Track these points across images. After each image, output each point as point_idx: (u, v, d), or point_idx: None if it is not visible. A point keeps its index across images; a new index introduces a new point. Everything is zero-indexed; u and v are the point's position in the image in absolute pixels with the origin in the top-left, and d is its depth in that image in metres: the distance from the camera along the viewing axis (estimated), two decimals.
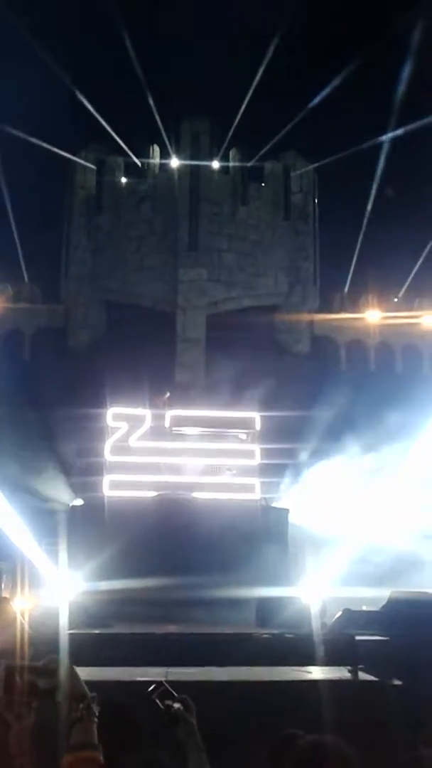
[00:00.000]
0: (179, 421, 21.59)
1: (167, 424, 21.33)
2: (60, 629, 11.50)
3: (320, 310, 29.97)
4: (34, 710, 3.11)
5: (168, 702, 3.44)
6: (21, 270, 28.70)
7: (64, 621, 12.04)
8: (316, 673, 9.98)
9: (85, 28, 29.54)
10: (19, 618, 12.18)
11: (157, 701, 3.46)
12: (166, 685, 3.57)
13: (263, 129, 28.79)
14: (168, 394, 22.03)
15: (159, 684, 3.57)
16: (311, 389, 26.92)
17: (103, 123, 26.76)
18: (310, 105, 25.56)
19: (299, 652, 11.20)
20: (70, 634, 11.07)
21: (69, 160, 29.40)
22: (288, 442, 22.17)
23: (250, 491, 20.94)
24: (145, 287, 28.66)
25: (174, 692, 3.51)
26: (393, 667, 10.68)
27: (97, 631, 12.75)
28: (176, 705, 3.45)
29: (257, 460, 21.30)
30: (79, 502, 21.28)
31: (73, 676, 3.08)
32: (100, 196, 29.60)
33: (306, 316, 29.67)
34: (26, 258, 28.31)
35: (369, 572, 20.68)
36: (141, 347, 26.00)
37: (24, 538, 16.85)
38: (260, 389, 23.42)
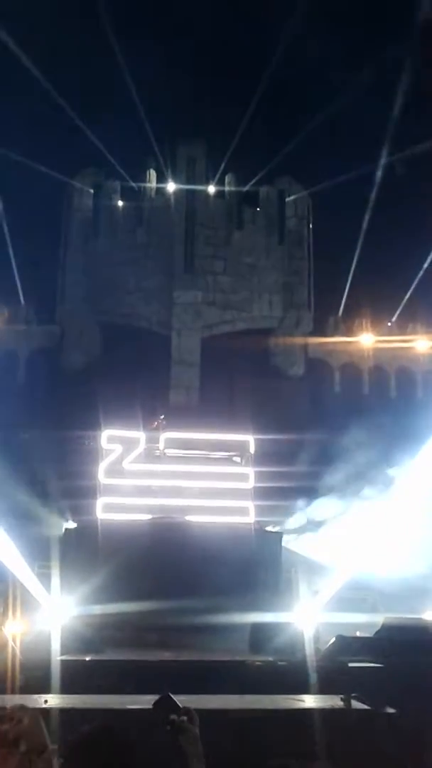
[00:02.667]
0: (173, 444, 21.59)
1: (161, 446, 21.33)
2: (51, 655, 11.44)
3: (314, 334, 30.13)
4: None
5: (173, 715, 3.54)
6: (17, 291, 28.84)
7: (55, 647, 11.97)
8: (309, 701, 9.94)
9: (82, 53, 29.92)
10: (10, 644, 12.10)
11: (161, 712, 3.55)
12: (172, 698, 3.69)
13: (259, 154, 29.18)
14: (162, 417, 22.03)
15: (166, 696, 3.68)
16: (306, 412, 27.02)
17: (100, 147, 27.08)
18: (306, 130, 25.93)
19: (292, 679, 11.16)
20: (62, 660, 11.01)
21: (66, 183, 29.68)
22: (282, 466, 22.15)
23: (244, 514, 20.90)
24: (140, 309, 28.79)
25: (179, 704, 3.62)
26: (387, 694, 10.64)
27: (88, 658, 12.66)
28: (181, 717, 3.54)
29: (251, 483, 21.27)
30: (72, 524, 21.17)
31: (38, 726, 3.05)
32: (97, 219, 29.81)
33: (300, 339, 29.84)
34: (22, 280, 28.48)
35: (363, 597, 20.63)
36: (136, 369, 26.07)
37: (16, 561, 16.71)
38: (254, 412, 23.45)
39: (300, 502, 23.80)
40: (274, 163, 28.10)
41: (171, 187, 29.56)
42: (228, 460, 21.95)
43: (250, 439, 21.71)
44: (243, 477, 21.44)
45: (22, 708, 3.15)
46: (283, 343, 29.70)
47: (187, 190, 29.32)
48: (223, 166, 29.13)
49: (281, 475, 21.99)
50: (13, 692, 9.50)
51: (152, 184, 30.14)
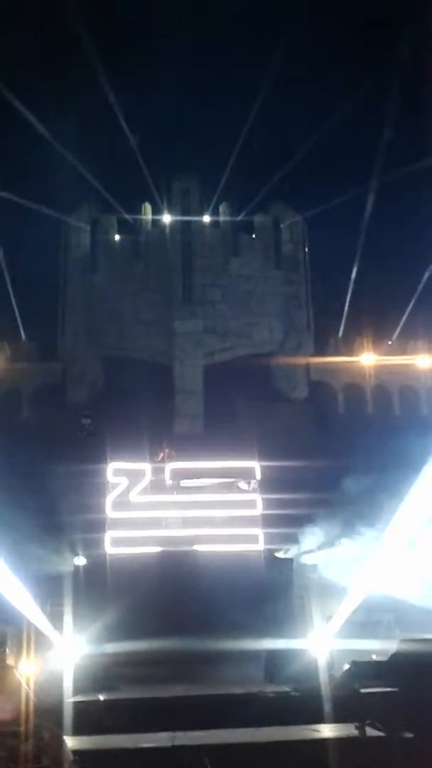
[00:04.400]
0: (179, 474, 21.62)
1: (167, 477, 21.36)
2: (64, 697, 11.42)
3: (315, 356, 30.26)
4: None
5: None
6: (18, 329, 29.13)
7: (68, 687, 11.93)
8: (324, 731, 9.89)
9: (76, 92, 30.55)
10: (23, 685, 12.07)
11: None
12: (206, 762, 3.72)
13: (251, 183, 29.59)
14: (167, 449, 22.10)
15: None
16: (310, 434, 27.02)
17: (95, 184, 27.53)
18: (297, 157, 26.32)
19: (307, 709, 11.08)
20: (75, 702, 10.98)
21: (63, 220, 30.10)
22: (290, 492, 22.09)
23: (253, 542, 20.84)
24: (141, 341, 29.02)
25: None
26: (403, 718, 10.56)
27: (102, 697, 12.61)
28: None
29: (259, 510, 21.25)
30: (82, 561, 21.13)
31: (58, 742, 3.14)
32: (95, 253, 30.20)
33: (302, 362, 29.95)
34: (23, 317, 28.78)
35: (378, 620, 20.47)
36: (139, 401, 26.17)
37: (28, 601, 16.68)
38: (259, 437, 23.45)
39: (309, 528, 23.67)
40: (266, 190, 28.50)
41: (167, 219, 29.97)
42: (235, 488, 21.95)
43: (255, 465, 21.74)
44: (251, 504, 21.43)
45: (44, 725, 3.28)
46: (284, 367, 29.82)
47: (183, 222, 29.73)
48: (216, 196, 29.60)
49: (289, 501, 21.92)
50: (27, 735, 9.46)
51: (148, 217, 30.54)
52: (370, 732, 9.19)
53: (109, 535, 20.57)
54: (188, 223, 29.91)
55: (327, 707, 11.16)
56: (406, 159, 25.97)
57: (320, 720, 10.54)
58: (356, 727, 9.26)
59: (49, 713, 10.17)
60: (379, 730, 9.35)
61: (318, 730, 9.70)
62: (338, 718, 10.57)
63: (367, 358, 30.15)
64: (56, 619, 16.54)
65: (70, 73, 29.13)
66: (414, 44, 23.87)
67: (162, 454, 22.07)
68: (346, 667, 13.97)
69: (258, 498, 21.47)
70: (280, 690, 13.15)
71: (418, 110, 26.93)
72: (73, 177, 26.55)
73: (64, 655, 14.70)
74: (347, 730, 9.38)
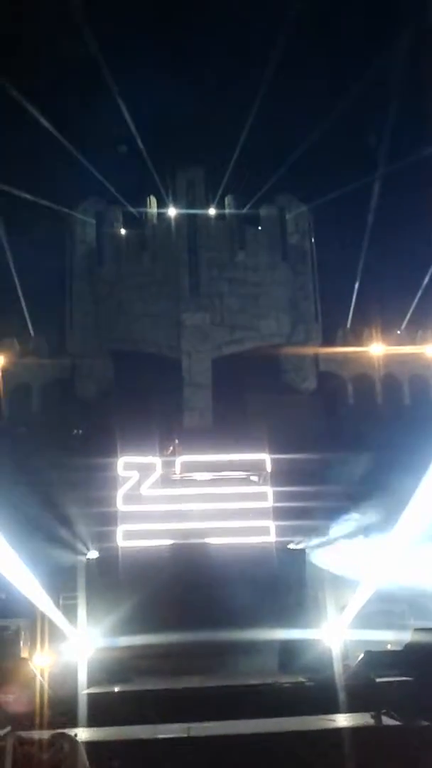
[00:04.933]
0: (190, 467, 21.63)
1: (178, 470, 21.37)
2: (79, 688, 11.44)
3: (324, 347, 30.12)
4: None
5: None
6: (27, 324, 29.15)
7: (82, 679, 11.96)
8: (340, 720, 9.87)
9: (81, 86, 30.44)
10: (38, 678, 12.12)
11: None
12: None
13: (257, 174, 29.41)
14: (177, 441, 22.09)
15: None
16: (320, 426, 26.93)
17: (100, 177, 27.45)
18: (302, 147, 26.15)
19: (322, 699, 11.07)
20: (90, 693, 11.00)
21: (68, 213, 30.05)
22: (301, 484, 22.04)
23: (265, 534, 20.84)
24: (149, 335, 28.96)
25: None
26: (419, 707, 10.52)
27: (117, 689, 12.64)
28: None
29: (270, 502, 21.25)
30: (94, 554, 21.19)
31: (78, 753, 3.13)
32: (101, 247, 30.12)
33: (311, 353, 29.83)
34: (31, 312, 28.78)
35: (391, 609, 20.42)
36: (148, 394, 26.16)
37: (41, 595, 16.74)
38: (269, 429, 23.41)
39: (322, 519, 23.61)
40: (272, 182, 28.32)
41: (172, 212, 29.85)
42: (246, 480, 21.93)
43: (266, 458, 21.72)
44: (262, 496, 21.42)
45: (62, 735, 3.26)
46: (293, 359, 29.69)
47: (189, 215, 29.59)
48: (222, 188, 29.42)
49: (300, 493, 21.87)
50: (42, 727, 9.49)
51: (153, 210, 30.44)
52: (386, 721, 9.15)
53: (120, 529, 20.60)
54: (194, 215, 29.77)
55: (342, 697, 11.15)
56: (413, 147, 25.79)
57: (335, 710, 10.53)
58: (372, 717, 9.23)
59: (64, 704, 10.21)
60: (394, 719, 9.31)
61: (333, 720, 9.69)
62: (353, 708, 10.55)
63: (376, 348, 29.99)
64: (70, 612, 16.59)
65: (73, 64, 29.03)
66: (419, 32, 23.68)
67: (172, 448, 22.06)
68: (361, 657, 13.95)
69: (269, 490, 21.44)
70: (294, 680, 13.15)
71: (425, 98, 26.70)
72: (77, 170, 26.48)
73: (78, 647, 14.74)
74: (363, 719, 9.35)
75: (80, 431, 26.36)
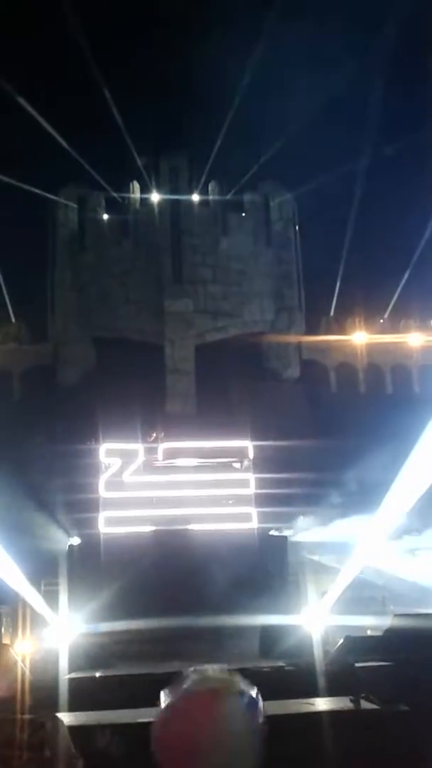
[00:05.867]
0: (172, 453, 21.64)
1: (160, 456, 21.37)
2: (60, 674, 11.44)
3: (307, 335, 30.20)
4: (24, 764, 3.16)
5: None
6: (7, 310, 28.89)
7: (64, 665, 11.96)
8: (319, 704, 9.93)
9: (63, 69, 30.12)
10: (19, 664, 12.09)
11: None
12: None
13: (241, 160, 29.31)
14: (159, 429, 22.07)
15: None
16: (303, 414, 27.03)
17: (83, 162, 27.16)
18: (287, 133, 26.08)
19: (302, 683, 11.14)
20: (71, 678, 11.00)
21: (50, 198, 29.75)
22: (283, 470, 22.14)
23: (247, 520, 20.93)
24: (131, 321, 28.85)
25: None
26: (397, 692, 10.63)
27: (98, 674, 12.65)
28: None
29: (252, 488, 21.32)
30: (76, 540, 21.18)
31: (61, 733, 3.13)
32: (83, 233, 29.91)
33: (294, 338, 29.89)
34: (12, 298, 28.53)
35: (372, 596, 20.61)
36: (131, 381, 26.07)
37: (22, 580, 16.69)
38: (252, 417, 23.45)
39: (302, 506, 23.75)
40: (256, 168, 28.23)
41: (155, 197, 29.67)
42: (228, 467, 21.99)
43: (248, 445, 21.76)
44: (244, 483, 21.49)
45: (44, 716, 3.25)
46: (276, 346, 29.76)
47: (172, 200, 29.44)
48: (205, 174, 29.30)
49: (282, 480, 21.98)
50: (23, 712, 9.48)
51: (136, 195, 30.24)
52: (365, 705, 9.23)
53: (102, 515, 20.58)
54: (177, 201, 29.62)
55: (321, 681, 11.23)
56: (397, 135, 25.79)
57: (315, 694, 10.58)
58: (351, 701, 9.29)
59: (45, 689, 10.20)
60: (373, 703, 9.39)
61: (313, 704, 9.73)
62: (333, 692, 10.62)
63: (359, 337, 30.14)
64: (51, 598, 16.55)
65: (53, 46, 28.67)
66: (403, 23, 23.64)
67: (155, 434, 22.04)
68: (340, 642, 14.06)
69: (251, 477, 21.52)
70: (274, 665, 13.21)
71: (409, 86, 26.69)
72: (59, 154, 26.18)
73: (59, 633, 14.72)
74: (342, 703, 9.41)
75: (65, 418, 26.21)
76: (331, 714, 9.08)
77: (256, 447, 21.74)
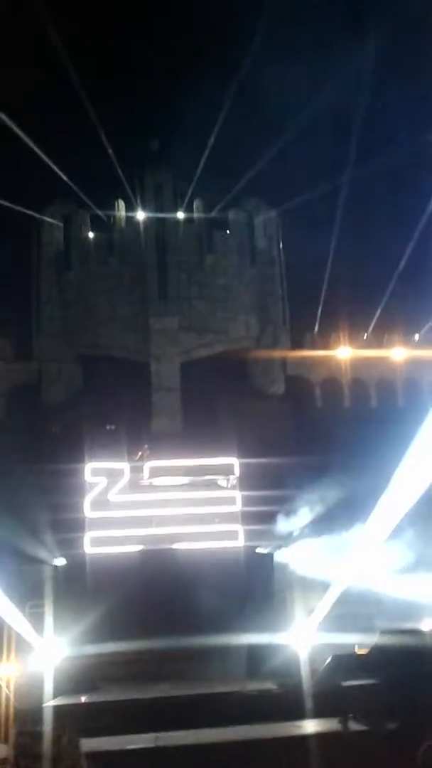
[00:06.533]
0: (158, 472, 21.56)
1: (146, 475, 21.28)
2: (44, 699, 11.31)
3: (292, 351, 30.28)
4: None
5: None
6: None
7: (49, 689, 11.83)
8: (307, 726, 9.92)
9: (47, 88, 30.19)
10: (3, 689, 11.95)
11: None
12: None
13: (225, 178, 29.47)
14: (146, 447, 22.01)
15: None
16: (289, 429, 27.03)
17: (67, 180, 27.18)
18: (270, 151, 26.26)
19: (290, 705, 11.11)
20: (56, 705, 10.88)
21: (35, 216, 29.74)
22: (269, 488, 22.11)
23: (233, 538, 20.87)
24: (117, 339, 28.81)
25: None
26: (385, 710, 10.62)
27: (83, 699, 12.53)
28: None
29: (239, 506, 21.28)
30: (62, 561, 20.99)
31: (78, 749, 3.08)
32: (68, 251, 29.90)
33: (279, 354, 29.99)
34: None
35: (359, 612, 20.54)
36: (117, 399, 26.01)
37: (7, 604, 16.51)
38: (238, 433, 23.44)
39: (289, 522, 23.71)
40: (241, 186, 28.39)
41: (140, 215, 29.76)
42: (214, 484, 21.94)
43: (235, 462, 21.74)
44: (230, 500, 21.45)
45: (63, 728, 3.23)
46: (262, 362, 29.81)
47: (157, 218, 29.53)
48: (190, 192, 29.40)
49: (269, 497, 21.94)
50: (7, 739, 9.37)
51: (121, 213, 30.32)
52: (353, 726, 9.22)
53: (88, 536, 20.43)
54: (162, 219, 29.71)
55: (309, 702, 11.20)
56: (379, 153, 26.10)
57: (303, 716, 10.58)
58: (339, 722, 9.29)
59: (30, 715, 10.09)
60: (362, 723, 9.39)
61: (300, 726, 9.73)
62: (321, 713, 10.61)
63: (343, 352, 30.28)
64: (36, 620, 16.39)
65: (39, 63, 28.75)
66: (388, 39, 23.99)
67: (141, 453, 21.97)
68: (328, 661, 14.02)
69: (237, 494, 21.48)
70: (262, 687, 13.16)
71: (393, 103, 27.06)
72: (44, 172, 26.20)
73: (44, 657, 14.57)
74: (330, 724, 9.41)
75: (54, 431, 26.05)
76: (320, 736, 9.09)
77: (242, 464, 21.72)
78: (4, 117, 23.09)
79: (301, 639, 15.68)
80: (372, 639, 15.12)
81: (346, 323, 30.02)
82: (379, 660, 13.84)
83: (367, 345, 30.53)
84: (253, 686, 13.44)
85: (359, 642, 15.93)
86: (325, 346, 30.39)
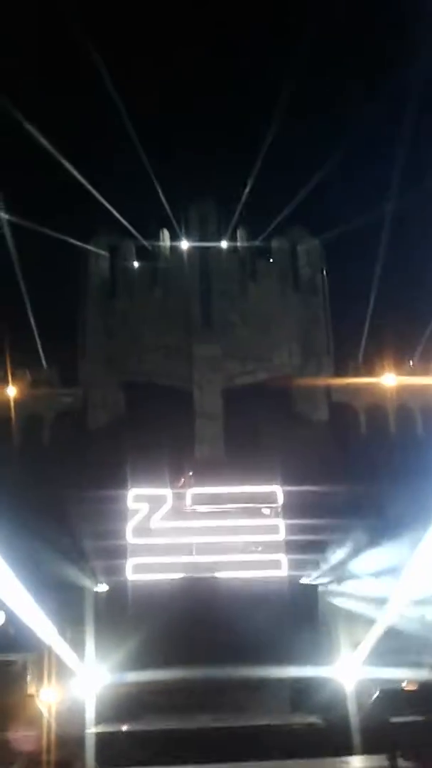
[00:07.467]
0: (200, 499, 21.43)
1: (188, 502, 21.17)
2: (86, 727, 11.18)
3: (336, 377, 30.03)
4: None
5: None
6: (39, 356, 29.24)
7: (90, 716, 11.70)
8: (354, 763, 9.56)
9: (93, 121, 30.99)
10: (45, 715, 11.87)
11: None
12: None
13: (268, 207, 29.67)
14: (189, 473, 21.93)
15: None
16: (333, 457, 26.67)
17: (113, 211, 27.74)
18: (314, 181, 26.36)
19: (336, 740, 10.75)
20: (98, 733, 10.74)
21: (83, 246, 30.37)
22: (313, 516, 21.73)
23: (277, 568, 20.52)
24: (161, 366, 29.01)
25: None
26: None
27: (125, 728, 12.36)
28: None
29: (282, 535, 20.96)
30: (103, 587, 20.94)
31: None
32: (114, 280, 30.43)
33: (322, 381, 29.76)
34: (44, 344, 28.87)
35: (407, 647, 19.93)
36: (160, 426, 26.03)
37: (49, 629, 16.50)
38: (281, 461, 23.21)
39: (334, 553, 23.23)
40: (283, 215, 28.53)
41: (185, 245, 30.12)
42: (257, 512, 21.68)
43: (278, 490, 21.48)
44: (273, 529, 21.15)
45: (75, 755, 3.14)
46: (305, 389, 29.61)
47: (201, 247, 29.86)
48: (234, 221, 29.70)
49: (313, 526, 21.57)
50: (48, 766, 9.26)
51: (166, 243, 30.74)
52: (402, 763, 8.84)
53: (130, 562, 20.36)
54: (206, 248, 30.06)
55: (356, 738, 10.82)
56: (424, 178, 25.94)
57: (349, 751, 10.21)
58: (387, 759, 8.92)
59: (72, 744, 9.97)
60: (411, 761, 9.00)
61: (347, 763, 9.38)
62: (368, 750, 10.23)
63: (389, 379, 29.87)
64: (78, 646, 16.31)
65: (85, 97, 29.53)
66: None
67: (183, 480, 21.90)
68: (376, 695, 13.58)
69: (281, 523, 21.17)
70: (306, 720, 12.80)
71: None
72: (91, 204, 26.78)
73: (85, 683, 14.47)
74: (378, 761, 9.04)
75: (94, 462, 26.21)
76: None
77: (285, 492, 21.44)
78: (53, 150, 23.78)
79: (347, 672, 15.23)
80: (421, 674, 14.61)
81: (390, 350, 29.66)
82: (428, 696, 13.37)
83: (413, 372, 30.08)
84: (298, 720, 13.08)
85: (407, 677, 15.41)
86: (370, 373, 30.04)
